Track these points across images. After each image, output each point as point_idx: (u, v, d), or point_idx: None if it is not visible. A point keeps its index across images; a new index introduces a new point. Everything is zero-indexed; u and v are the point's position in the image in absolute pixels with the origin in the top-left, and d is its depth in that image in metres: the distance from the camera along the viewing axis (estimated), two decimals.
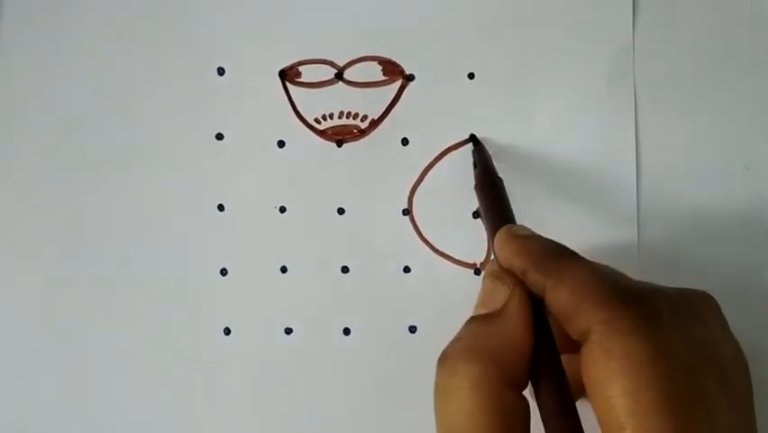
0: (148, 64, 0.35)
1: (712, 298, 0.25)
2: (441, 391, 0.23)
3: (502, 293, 0.24)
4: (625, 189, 0.34)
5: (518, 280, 0.24)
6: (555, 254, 0.25)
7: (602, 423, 0.21)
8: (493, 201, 0.29)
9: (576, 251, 0.25)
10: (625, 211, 0.34)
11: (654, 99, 0.34)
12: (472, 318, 0.25)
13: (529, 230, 0.27)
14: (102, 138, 0.35)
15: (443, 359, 0.23)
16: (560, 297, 0.23)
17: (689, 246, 0.34)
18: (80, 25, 0.35)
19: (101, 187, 0.35)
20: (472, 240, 0.34)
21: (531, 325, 0.24)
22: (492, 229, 0.28)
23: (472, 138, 0.33)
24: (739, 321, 0.25)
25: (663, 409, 0.20)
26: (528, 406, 0.23)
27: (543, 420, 0.23)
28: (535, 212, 0.34)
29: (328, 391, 0.34)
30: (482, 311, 0.25)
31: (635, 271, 0.33)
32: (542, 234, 0.27)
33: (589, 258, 0.25)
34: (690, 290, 0.25)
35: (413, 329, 0.34)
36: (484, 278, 0.26)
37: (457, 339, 0.24)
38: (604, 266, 0.24)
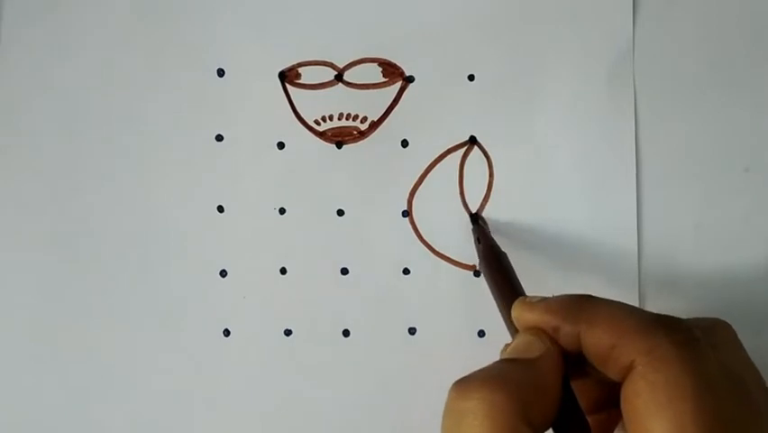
0: (148, 66, 0.35)
1: (729, 325, 0.25)
2: (453, 414, 0.22)
3: (539, 346, 0.24)
4: (624, 190, 0.34)
5: (555, 341, 0.24)
6: (581, 302, 0.24)
7: None
8: (502, 276, 0.29)
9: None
10: (624, 212, 0.33)
11: (654, 101, 0.34)
12: (503, 359, 0.24)
13: (541, 297, 0.27)
14: (102, 139, 0.35)
15: (461, 382, 0.23)
16: (597, 337, 0.23)
17: (689, 248, 0.34)
18: (80, 27, 0.35)
19: (100, 188, 0.35)
20: (472, 242, 0.34)
21: (561, 380, 0.23)
22: (504, 301, 0.28)
23: (473, 217, 0.33)
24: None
25: None
26: None
27: None
28: (534, 212, 0.34)
29: (327, 393, 0.34)
30: (514, 357, 0.24)
31: (635, 274, 0.33)
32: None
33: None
34: (709, 318, 0.25)
35: (412, 331, 0.34)
36: (519, 335, 0.25)
37: (482, 369, 0.23)
38: (631, 305, 0.24)
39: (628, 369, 0.22)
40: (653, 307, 0.33)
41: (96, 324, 0.35)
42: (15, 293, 0.35)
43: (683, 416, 0.20)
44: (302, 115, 0.35)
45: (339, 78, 0.34)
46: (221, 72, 0.35)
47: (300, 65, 0.35)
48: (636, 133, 0.34)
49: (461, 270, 0.34)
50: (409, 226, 0.34)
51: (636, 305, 0.33)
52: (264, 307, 0.34)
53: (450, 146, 0.34)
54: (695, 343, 0.22)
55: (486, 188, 0.34)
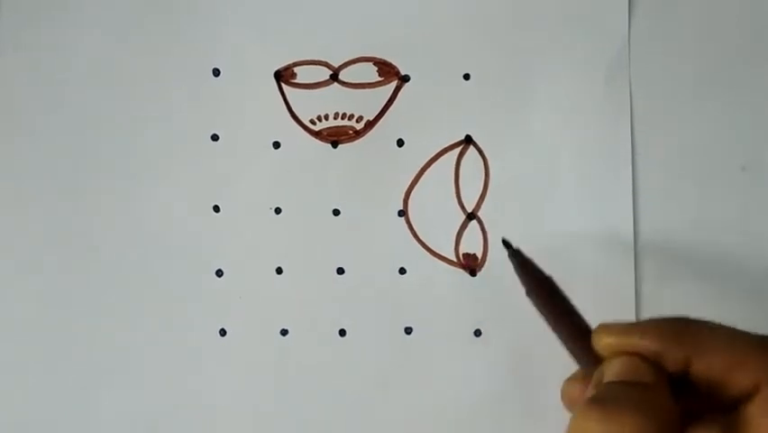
0: (144, 65, 0.35)
1: None
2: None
3: (651, 370, 0.23)
4: (620, 189, 0.34)
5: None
6: (688, 325, 0.24)
7: None
8: (560, 307, 0.27)
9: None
10: (620, 211, 0.33)
11: (650, 100, 0.34)
12: (623, 381, 0.23)
13: (620, 322, 0.26)
14: (98, 139, 0.35)
15: (604, 406, 0.22)
16: (712, 362, 0.23)
17: (686, 246, 0.34)
18: (77, 27, 0.35)
19: (97, 187, 0.35)
20: (467, 241, 0.34)
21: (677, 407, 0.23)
22: (568, 331, 0.26)
23: (507, 246, 0.30)
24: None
25: None
26: None
27: None
28: (530, 211, 0.34)
29: (324, 392, 0.34)
30: (624, 379, 0.23)
31: (632, 272, 0.33)
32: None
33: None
34: None
35: (408, 330, 0.34)
36: (616, 360, 0.24)
37: (618, 389, 0.23)
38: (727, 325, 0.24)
39: (749, 391, 0.22)
40: (650, 304, 0.33)
41: (94, 323, 0.35)
42: (9, 293, 0.35)
43: None
44: (297, 115, 0.35)
45: (334, 77, 0.34)
46: (216, 72, 0.35)
47: (296, 64, 0.35)
48: (633, 133, 0.34)
49: (456, 269, 0.34)
50: (405, 226, 0.34)
51: (633, 302, 0.33)
52: (260, 306, 0.34)
53: (445, 145, 0.34)
54: None
55: (482, 188, 0.34)
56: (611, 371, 0.23)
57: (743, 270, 0.33)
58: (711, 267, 0.33)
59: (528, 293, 0.28)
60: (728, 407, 0.23)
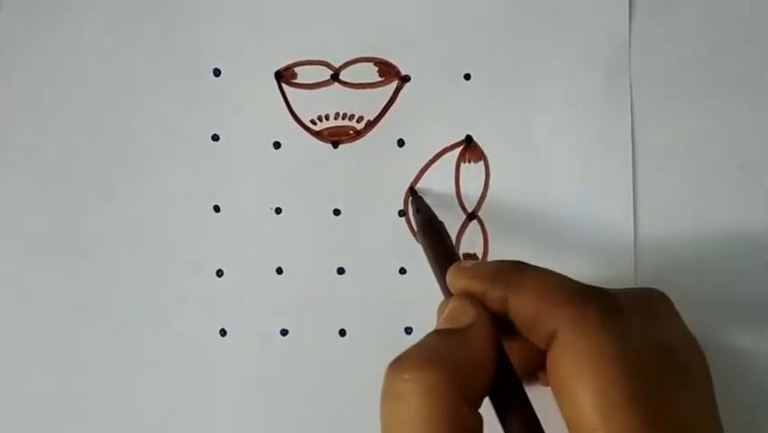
0: (144, 65, 0.35)
1: (665, 295, 0.26)
2: (390, 395, 0.22)
3: (470, 313, 0.24)
4: (621, 188, 0.34)
5: (484, 306, 0.24)
6: (511, 267, 0.25)
7: (571, 424, 0.21)
8: (439, 244, 0.29)
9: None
10: (621, 211, 0.33)
11: (651, 99, 0.34)
12: (436, 331, 0.24)
13: (474, 262, 0.27)
14: (98, 139, 0.35)
15: (397, 363, 0.22)
16: (523, 303, 0.23)
17: (685, 245, 0.34)
18: (77, 26, 0.35)
19: (97, 187, 0.35)
20: (468, 241, 0.34)
21: (495, 348, 0.23)
22: (440, 269, 0.28)
23: (410, 189, 0.34)
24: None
25: (633, 408, 0.20)
26: (482, 424, 0.22)
27: None
28: (531, 211, 0.34)
29: (324, 393, 0.34)
30: (444, 326, 0.24)
31: (632, 271, 0.33)
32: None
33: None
34: (644, 288, 0.26)
35: (409, 330, 0.34)
36: (452, 300, 0.26)
37: (416, 346, 0.23)
38: (560, 273, 0.25)
39: (552, 336, 0.22)
40: None
41: (93, 324, 0.35)
42: (8, 293, 0.35)
43: (608, 382, 0.20)
44: (298, 115, 0.35)
45: (335, 77, 0.34)
46: (217, 72, 0.35)
47: (296, 65, 0.35)
48: (633, 132, 0.34)
49: None
50: (405, 226, 0.34)
51: None
52: (260, 306, 0.34)
53: (446, 145, 0.34)
54: (620, 313, 0.22)
55: (482, 188, 0.34)
56: (443, 315, 0.25)
57: (743, 270, 0.33)
58: (711, 267, 0.33)
59: (418, 234, 0.31)
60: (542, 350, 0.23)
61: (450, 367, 0.22)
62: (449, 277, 0.26)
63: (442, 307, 0.27)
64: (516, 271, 0.24)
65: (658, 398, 0.21)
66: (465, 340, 0.23)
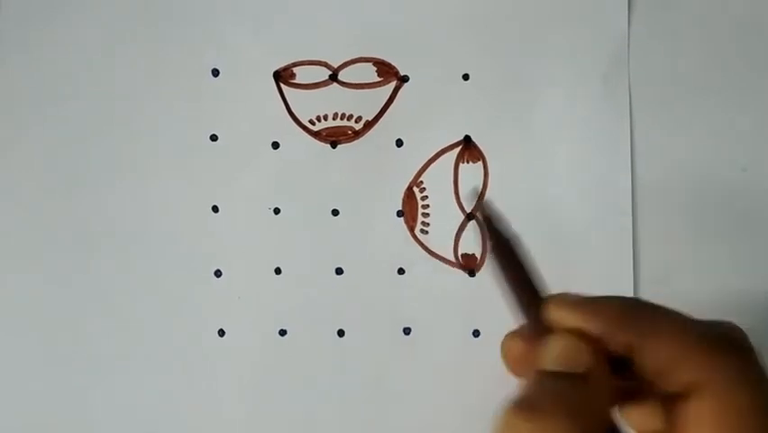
0: (143, 65, 0.35)
1: (740, 328, 0.24)
2: None
3: (585, 357, 0.23)
4: (620, 190, 0.33)
5: (597, 347, 0.23)
6: (638, 310, 0.23)
7: None
8: (520, 270, 0.26)
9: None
10: (620, 212, 0.33)
11: (650, 101, 0.34)
12: (553, 374, 0.23)
13: (577, 295, 0.25)
14: (97, 139, 0.35)
15: (522, 406, 0.21)
16: (658, 351, 0.22)
17: (685, 247, 0.33)
18: (76, 27, 0.35)
19: (95, 187, 0.35)
20: (466, 241, 0.34)
21: (612, 394, 0.23)
22: (524, 294, 0.26)
23: (479, 203, 0.31)
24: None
25: None
26: None
27: None
28: (529, 212, 0.34)
29: (322, 393, 0.34)
30: (558, 368, 0.23)
31: (630, 273, 0.33)
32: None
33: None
34: (724, 323, 0.24)
35: (407, 331, 0.34)
36: (560, 338, 0.24)
37: (536, 389, 0.22)
38: (685, 313, 0.24)
39: (691, 386, 0.22)
40: None
41: (92, 323, 0.35)
42: (8, 292, 0.35)
43: None
44: (297, 115, 0.35)
45: (334, 77, 0.34)
46: (216, 72, 0.35)
47: (295, 65, 0.35)
48: (632, 132, 0.34)
49: (455, 269, 0.34)
50: (404, 226, 0.34)
51: None
52: (259, 307, 0.34)
53: (444, 146, 0.34)
54: (755, 361, 0.22)
55: (481, 188, 0.34)
56: (550, 354, 0.23)
57: (743, 270, 0.33)
58: (711, 267, 0.33)
59: (490, 251, 0.27)
60: (670, 397, 0.22)
61: (573, 415, 0.21)
62: (554, 311, 0.24)
63: (527, 338, 0.25)
64: (645, 314, 0.23)
65: None
66: (585, 386, 0.22)
